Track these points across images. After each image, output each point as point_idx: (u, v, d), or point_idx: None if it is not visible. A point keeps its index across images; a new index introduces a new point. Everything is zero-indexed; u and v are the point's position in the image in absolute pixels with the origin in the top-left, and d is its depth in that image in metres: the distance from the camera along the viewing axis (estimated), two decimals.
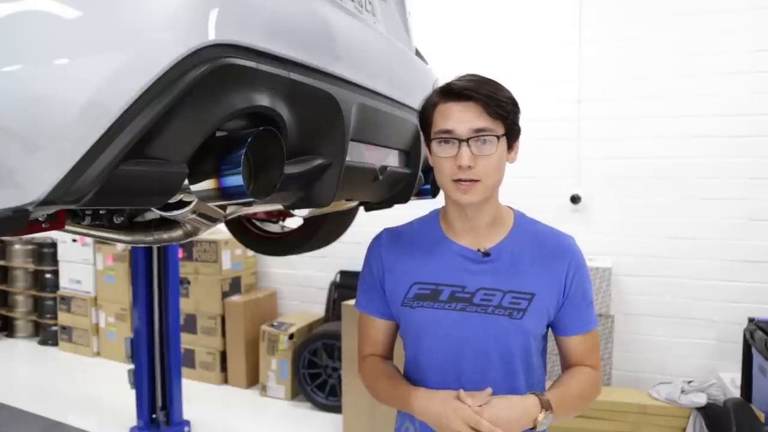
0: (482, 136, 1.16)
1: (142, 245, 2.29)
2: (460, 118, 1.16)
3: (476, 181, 1.17)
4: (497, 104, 1.16)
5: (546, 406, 1.17)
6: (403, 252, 1.32)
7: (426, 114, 1.24)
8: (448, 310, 1.24)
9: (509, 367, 1.24)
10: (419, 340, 1.28)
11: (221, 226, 2.22)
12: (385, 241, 1.35)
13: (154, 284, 3.35)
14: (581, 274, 1.28)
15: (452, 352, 1.24)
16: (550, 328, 1.32)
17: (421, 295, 1.27)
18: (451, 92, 1.19)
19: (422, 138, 1.30)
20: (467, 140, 1.15)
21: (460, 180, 1.17)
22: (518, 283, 1.24)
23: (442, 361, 1.25)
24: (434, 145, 1.20)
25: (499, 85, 1.20)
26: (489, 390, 1.18)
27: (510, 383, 1.24)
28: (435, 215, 1.35)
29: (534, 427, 1.16)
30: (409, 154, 1.71)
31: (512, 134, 1.21)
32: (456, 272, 1.26)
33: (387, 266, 1.32)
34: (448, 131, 1.17)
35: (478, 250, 1.26)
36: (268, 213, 2.17)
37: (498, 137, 1.17)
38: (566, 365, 1.33)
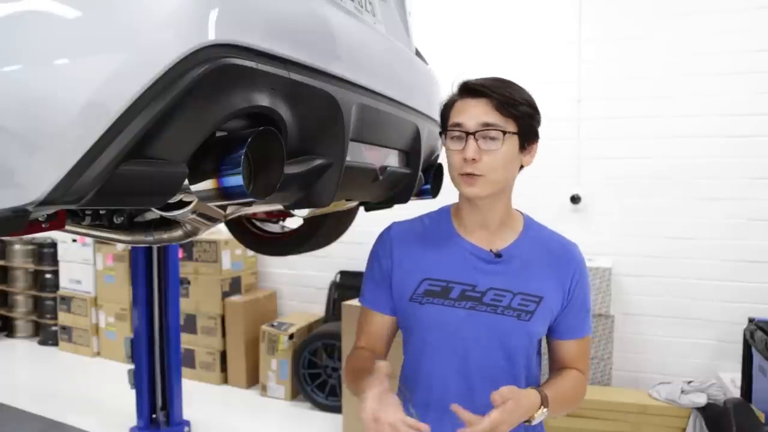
0: (488, 130, 1.19)
1: (142, 245, 2.29)
2: (470, 112, 1.20)
3: (480, 175, 1.19)
4: (509, 103, 1.19)
5: (545, 403, 1.19)
6: (413, 246, 1.33)
7: (444, 112, 1.28)
8: (458, 308, 1.25)
9: (513, 367, 1.27)
10: (425, 336, 1.29)
11: (221, 226, 2.22)
12: (395, 234, 1.36)
13: (154, 284, 3.35)
14: (583, 282, 1.32)
15: (458, 351, 1.26)
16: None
17: (432, 292, 1.27)
18: (465, 89, 1.24)
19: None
20: (474, 134, 1.18)
21: (466, 174, 1.20)
22: (528, 286, 1.26)
23: (448, 359, 1.26)
24: (447, 138, 1.24)
25: (518, 86, 1.23)
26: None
27: (512, 382, 1.25)
28: (446, 211, 1.36)
29: (528, 421, 1.18)
30: (409, 154, 1.71)
31: (527, 135, 1.23)
32: (467, 271, 1.27)
33: (396, 259, 1.33)
34: (458, 124, 1.21)
35: (491, 251, 1.28)
36: (268, 213, 2.17)
37: (504, 133, 1.19)
38: (556, 368, 1.36)
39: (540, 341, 1.34)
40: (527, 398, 1.16)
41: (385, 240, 1.36)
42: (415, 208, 1.62)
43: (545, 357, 1.40)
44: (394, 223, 1.39)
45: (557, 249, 1.32)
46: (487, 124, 1.19)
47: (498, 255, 1.28)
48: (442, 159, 1.50)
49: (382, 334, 1.38)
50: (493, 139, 1.19)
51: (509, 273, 1.27)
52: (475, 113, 1.20)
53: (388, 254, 1.34)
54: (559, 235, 1.36)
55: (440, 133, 1.31)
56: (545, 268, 1.29)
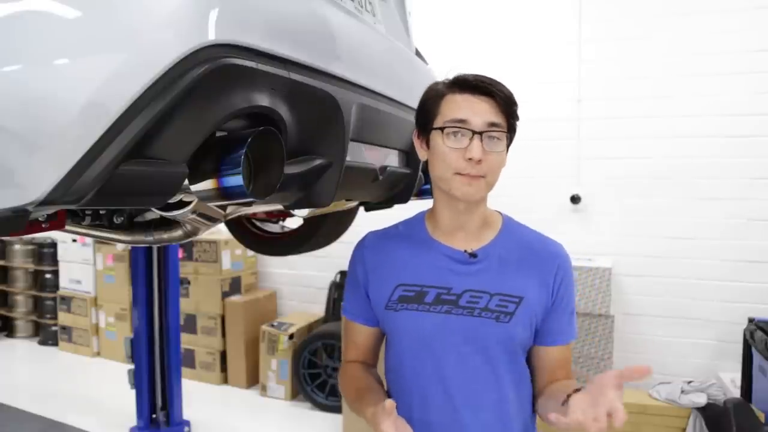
0: (495, 131, 1.14)
1: (142, 245, 2.29)
2: (476, 110, 1.14)
3: (481, 177, 1.15)
4: (510, 103, 1.16)
5: None
6: (387, 254, 1.28)
7: (429, 104, 1.20)
8: (433, 313, 1.20)
9: (495, 373, 1.20)
10: (402, 343, 1.24)
11: (221, 226, 2.22)
12: (368, 244, 1.32)
13: (154, 284, 3.35)
14: (568, 282, 1.25)
15: (436, 357, 1.20)
16: None
17: (406, 297, 1.22)
18: (466, 84, 1.16)
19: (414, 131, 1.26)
20: (481, 134, 1.13)
21: (463, 174, 1.14)
22: (506, 286, 1.20)
23: (426, 365, 1.21)
24: (442, 135, 1.16)
25: (504, 84, 1.19)
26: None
27: (497, 391, 1.20)
28: (420, 217, 1.31)
29: None
30: (409, 154, 1.71)
31: (512, 136, 1.20)
32: (441, 273, 1.22)
33: (370, 269, 1.28)
34: (461, 121, 1.14)
35: (465, 251, 1.23)
36: (268, 213, 2.17)
37: (507, 135, 1.17)
38: (544, 381, 1.27)
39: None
40: None
41: (359, 250, 1.32)
42: (415, 209, 1.62)
43: None
44: (369, 233, 1.35)
45: (538, 247, 1.25)
46: (493, 124, 1.14)
47: (473, 255, 1.22)
48: None
49: (368, 344, 1.34)
50: (496, 139, 1.15)
51: (486, 273, 1.21)
52: (480, 111, 1.13)
53: (362, 264, 1.30)
54: (540, 234, 1.29)
55: (422, 128, 1.22)
56: (526, 268, 1.22)
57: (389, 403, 1.09)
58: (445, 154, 1.15)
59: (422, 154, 1.24)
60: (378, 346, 1.36)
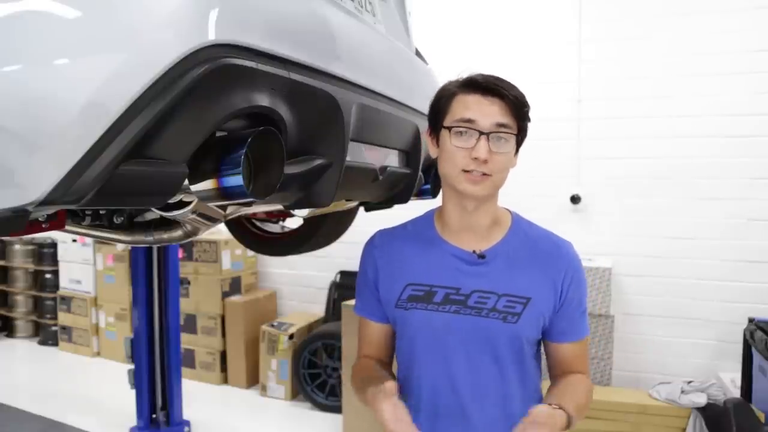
0: (502, 132, 1.16)
1: (142, 245, 2.29)
2: (484, 111, 1.16)
3: (487, 175, 1.17)
4: (521, 105, 1.17)
5: (568, 425, 1.13)
6: (396, 253, 1.31)
7: (441, 103, 1.23)
8: (442, 312, 1.22)
9: (502, 371, 1.23)
10: (412, 342, 1.27)
11: (221, 226, 2.21)
12: (378, 243, 1.35)
13: (154, 284, 3.35)
14: (578, 281, 1.26)
15: (444, 355, 1.23)
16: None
17: (415, 297, 1.25)
18: (476, 85, 1.18)
19: (424, 129, 1.28)
20: (488, 134, 1.15)
21: (470, 171, 1.16)
22: (514, 287, 1.22)
23: (435, 364, 1.24)
24: (450, 133, 1.18)
25: (516, 86, 1.21)
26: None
27: (503, 388, 1.23)
28: (430, 216, 1.33)
29: None
30: (409, 154, 1.71)
31: (522, 138, 1.22)
32: (450, 273, 1.24)
33: (380, 268, 1.31)
34: (469, 121, 1.16)
35: (474, 252, 1.24)
36: (268, 213, 2.17)
37: (515, 136, 1.18)
38: (556, 372, 1.31)
39: (538, 345, 1.30)
40: (559, 423, 1.10)
41: (369, 249, 1.35)
42: (415, 208, 1.62)
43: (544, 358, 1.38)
44: (378, 232, 1.37)
45: (548, 247, 1.27)
46: (501, 125, 1.16)
47: (481, 256, 1.24)
48: None
49: (381, 341, 1.37)
50: (503, 140, 1.16)
51: (494, 274, 1.23)
52: (488, 112, 1.16)
53: (372, 264, 1.33)
54: (550, 233, 1.30)
55: (433, 125, 1.25)
56: (534, 268, 1.24)
57: (390, 385, 1.12)
58: (453, 152, 1.18)
59: (433, 151, 1.27)
60: (391, 342, 1.38)
